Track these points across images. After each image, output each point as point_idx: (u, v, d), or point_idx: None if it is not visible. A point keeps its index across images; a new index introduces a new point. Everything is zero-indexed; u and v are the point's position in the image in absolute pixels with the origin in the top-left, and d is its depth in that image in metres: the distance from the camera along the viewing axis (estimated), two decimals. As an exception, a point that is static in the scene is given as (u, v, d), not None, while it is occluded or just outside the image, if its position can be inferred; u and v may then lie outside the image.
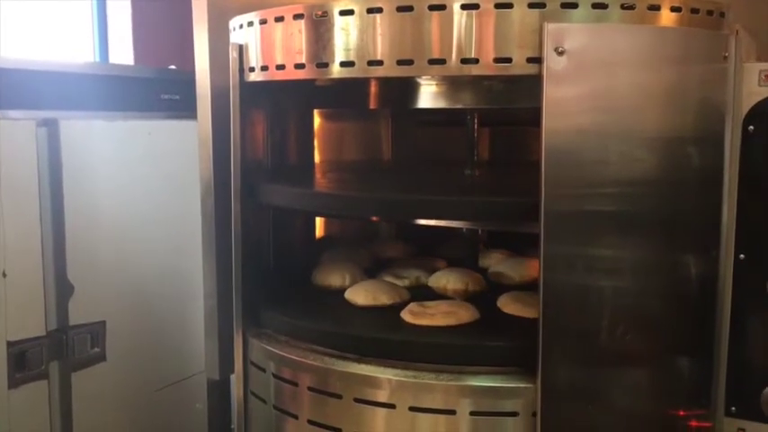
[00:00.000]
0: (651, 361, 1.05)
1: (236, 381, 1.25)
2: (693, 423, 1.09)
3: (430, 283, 1.30)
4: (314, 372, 1.10)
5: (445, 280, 1.27)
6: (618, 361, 1.02)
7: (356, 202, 1.16)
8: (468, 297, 1.24)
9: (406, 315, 1.14)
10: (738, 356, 1.08)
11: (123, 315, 1.71)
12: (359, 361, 1.08)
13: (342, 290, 1.26)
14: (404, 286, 1.28)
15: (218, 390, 1.37)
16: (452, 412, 1.02)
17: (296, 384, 1.12)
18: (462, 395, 1.02)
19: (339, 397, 1.07)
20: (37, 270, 1.54)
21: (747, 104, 1.04)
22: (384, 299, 1.21)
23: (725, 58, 1.03)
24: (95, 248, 1.64)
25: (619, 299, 1.00)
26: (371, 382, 1.05)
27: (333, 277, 1.30)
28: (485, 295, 1.25)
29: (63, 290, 1.58)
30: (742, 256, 1.07)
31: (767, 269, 1.05)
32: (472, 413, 1.02)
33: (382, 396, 1.05)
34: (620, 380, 1.03)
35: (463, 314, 1.13)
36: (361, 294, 1.22)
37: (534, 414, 0.99)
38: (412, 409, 1.03)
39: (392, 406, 1.04)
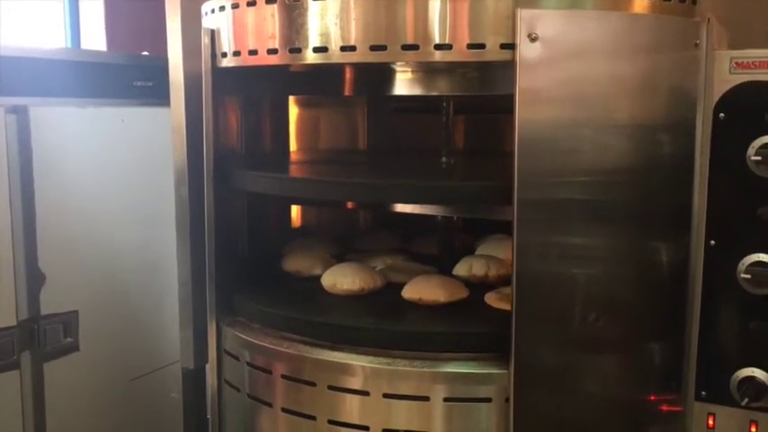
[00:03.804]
0: (623, 347, 1.06)
1: (210, 370, 1.24)
2: (664, 407, 1.11)
3: (460, 273, 1.25)
4: (287, 359, 1.10)
5: (486, 267, 1.23)
6: (590, 347, 1.03)
7: (329, 186, 1.15)
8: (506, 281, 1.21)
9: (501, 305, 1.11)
10: (709, 342, 1.09)
11: (96, 304, 1.68)
12: (332, 348, 1.08)
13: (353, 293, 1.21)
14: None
15: (194, 379, 1.36)
16: (426, 399, 1.03)
17: (270, 372, 1.12)
18: (436, 382, 1.02)
19: (313, 384, 1.07)
20: (7, 259, 1.51)
21: (718, 92, 1.05)
22: (461, 293, 1.16)
23: (696, 45, 1.04)
24: (67, 237, 1.62)
25: (591, 285, 1.01)
26: (345, 369, 1.05)
27: (347, 280, 1.21)
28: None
29: (34, 279, 1.56)
30: (713, 242, 1.08)
31: (737, 255, 1.06)
32: (446, 399, 1.02)
33: (356, 383, 1.05)
34: (592, 365, 1.04)
35: None
36: (438, 293, 1.15)
37: (507, 400, 1.00)
38: (386, 395, 1.04)
39: (366, 393, 1.04)
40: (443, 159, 1.36)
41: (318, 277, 1.25)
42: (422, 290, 1.16)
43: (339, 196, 1.32)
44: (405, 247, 1.49)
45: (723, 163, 1.06)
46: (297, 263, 1.32)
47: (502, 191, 0.96)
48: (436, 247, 1.45)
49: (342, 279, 1.20)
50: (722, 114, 1.05)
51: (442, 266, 1.30)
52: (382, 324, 1.11)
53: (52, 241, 1.58)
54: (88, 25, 2.51)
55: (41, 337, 1.57)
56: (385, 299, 1.20)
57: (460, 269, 1.26)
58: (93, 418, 1.70)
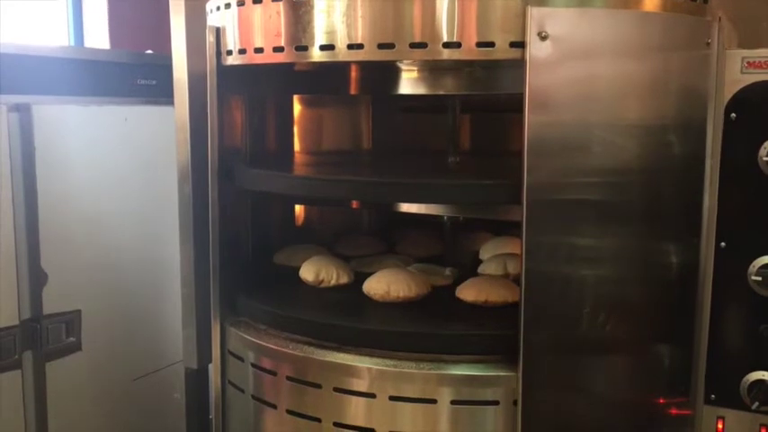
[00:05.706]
0: (631, 349, 1.05)
1: (213, 370, 1.23)
2: (673, 411, 1.10)
3: (496, 272, 1.23)
4: (293, 361, 1.09)
5: (515, 263, 1.19)
6: (598, 349, 1.02)
7: (332, 185, 1.14)
8: None
9: None
10: (718, 344, 1.08)
11: (99, 304, 1.67)
12: (338, 350, 1.07)
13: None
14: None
15: (196, 379, 1.35)
16: (433, 401, 1.01)
17: (275, 374, 1.11)
18: (443, 384, 1.01)
19: (318, 386, 1.06)
20: (10, 258, 1.50)
21: (729, 91, 1.04)
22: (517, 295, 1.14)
23: (708, 44, 1.03)
24: (70, 236, 1.61)
25: (600, 287, 1.00)
26: (351, 371, 1.04)
27: (402, 287, 1.17)
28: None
29: (37, 278, 1.55)
30: (723, 243, 1.06)
31: (748, 257, 1.05)
32: (453, 402, 1.01)
33: (362, 385, 1.04)
34: (600, 368, 1.03)
35: None
36: (506, 294, 1.12)
37: (515, 402, 0.99)
38: (392, 398, 1.03)
39: (372, 395, 1.03)
40: (450, 159, 1.35)
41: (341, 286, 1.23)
42: (488, 292, 1.14)
43: (348, 195, 1.31)
44: (390, 249, 1.46)
45: (734, 163, 1.05)
46: (316, 272, 1.26)
47: (511, 190, 0.95)
48: (424, 249, 1.44)
49: (396, 286, 1.16)
50: (733, 114, 1.04)
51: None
52: (387, 325, 1.10)
53: (55, 240, 1.57)
54: (91, 23, 2.50)
55: (44, 336, 1.56)
56: (441, 302, 1.17)
57: (494, 268, 1.24)
58: (95, 418, 1.69)
